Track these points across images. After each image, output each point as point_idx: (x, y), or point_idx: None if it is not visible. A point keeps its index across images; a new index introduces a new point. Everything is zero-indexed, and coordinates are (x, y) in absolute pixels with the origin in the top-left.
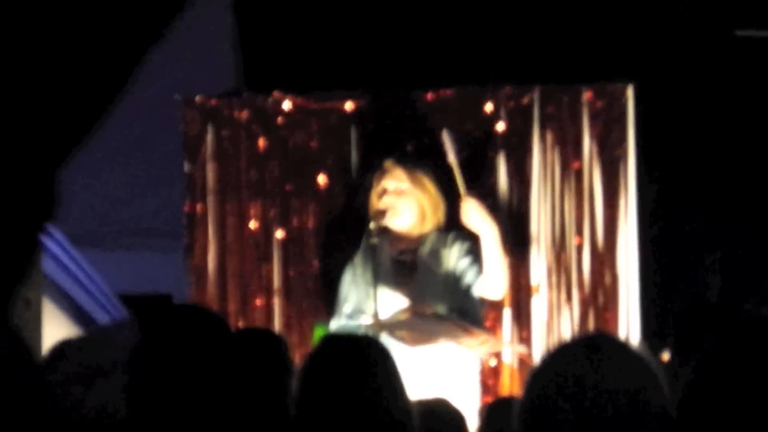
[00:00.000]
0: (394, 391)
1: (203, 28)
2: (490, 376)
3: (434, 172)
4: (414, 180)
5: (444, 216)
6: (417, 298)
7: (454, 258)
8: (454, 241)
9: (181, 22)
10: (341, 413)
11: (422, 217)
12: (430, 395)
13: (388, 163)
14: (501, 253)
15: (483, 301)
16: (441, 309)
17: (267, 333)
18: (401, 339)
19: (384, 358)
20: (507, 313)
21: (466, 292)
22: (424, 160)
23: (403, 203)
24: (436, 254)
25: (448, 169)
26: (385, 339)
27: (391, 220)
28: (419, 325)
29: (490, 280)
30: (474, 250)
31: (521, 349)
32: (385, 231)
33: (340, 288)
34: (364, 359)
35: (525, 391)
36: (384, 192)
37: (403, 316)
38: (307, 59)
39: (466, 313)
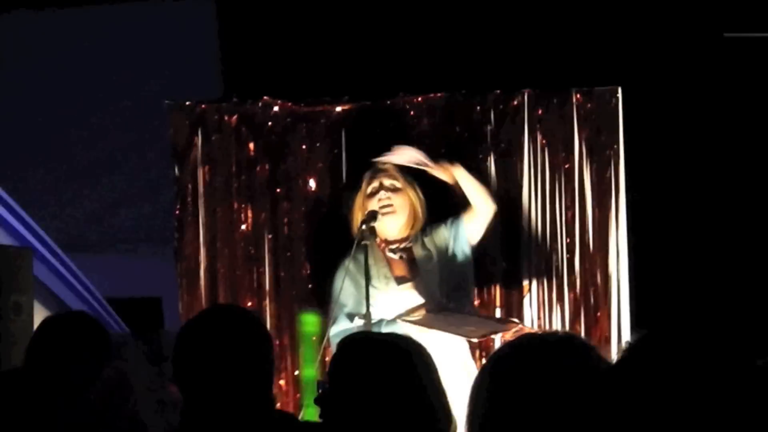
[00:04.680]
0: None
1: (186, 37)
2: None
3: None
4: (406, 180)
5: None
6: (422, 293)
7: (441, 240)
8: (432, 230)
9: (164, 31)
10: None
11: (413, 217)
12: None
13: (383, 164)
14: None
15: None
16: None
17: None
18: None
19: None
20: (498, 314)
21: (461, 268)
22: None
23: (399, 201)
24: (426, 248)
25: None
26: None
27: (388, 217)
28: (446, 320)
29: (476, 201)
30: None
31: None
32: (373, 232)
33: (334, 293)
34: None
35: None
36: (380, 188)
37: (418, 314)
38: (293, 66)
39: (458, 287)
